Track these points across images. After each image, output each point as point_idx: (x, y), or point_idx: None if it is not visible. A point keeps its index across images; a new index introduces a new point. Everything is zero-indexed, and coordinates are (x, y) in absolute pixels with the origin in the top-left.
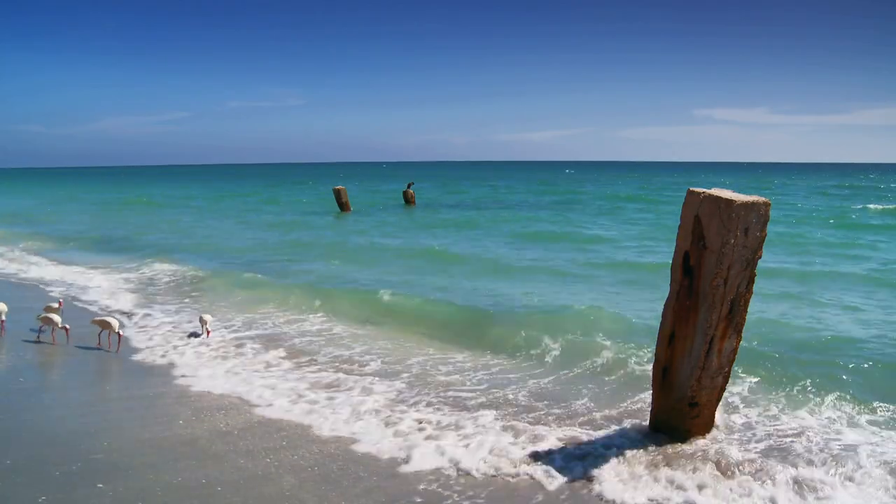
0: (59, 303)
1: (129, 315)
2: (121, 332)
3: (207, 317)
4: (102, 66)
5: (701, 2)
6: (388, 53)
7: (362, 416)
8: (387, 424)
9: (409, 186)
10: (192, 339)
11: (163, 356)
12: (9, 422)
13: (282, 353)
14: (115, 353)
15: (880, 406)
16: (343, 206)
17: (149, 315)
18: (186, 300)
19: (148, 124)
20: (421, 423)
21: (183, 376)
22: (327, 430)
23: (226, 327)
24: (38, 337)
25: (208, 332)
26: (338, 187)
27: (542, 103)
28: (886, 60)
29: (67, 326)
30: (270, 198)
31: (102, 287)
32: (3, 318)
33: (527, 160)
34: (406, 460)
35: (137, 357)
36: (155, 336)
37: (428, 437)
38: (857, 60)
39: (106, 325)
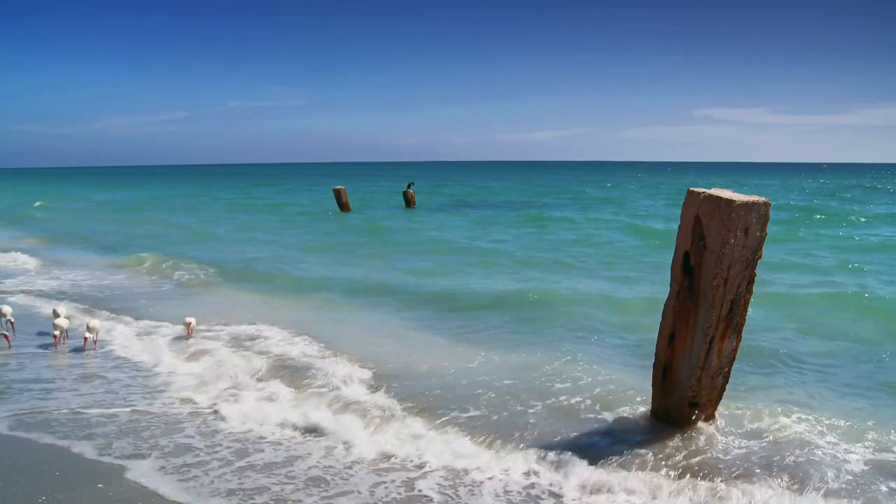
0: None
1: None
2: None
3: (191, 320)
4: (102, 66)
5: (701, 2)
6: (389, 53)
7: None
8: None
9: (409, 186)
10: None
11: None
12: (9, 423)
13: None
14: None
15: (880, 404)
16: (343, 206)
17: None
18: None
19: (148, 124)
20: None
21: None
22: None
23: None
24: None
25: (190, 333)
26: (338, 187)
27: (542, 103)
28: (886, 60)
29: (87, 336)
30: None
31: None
32: (12, 319)
33: (527, 160)
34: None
35: (134, 359)
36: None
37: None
38: (857, 60)
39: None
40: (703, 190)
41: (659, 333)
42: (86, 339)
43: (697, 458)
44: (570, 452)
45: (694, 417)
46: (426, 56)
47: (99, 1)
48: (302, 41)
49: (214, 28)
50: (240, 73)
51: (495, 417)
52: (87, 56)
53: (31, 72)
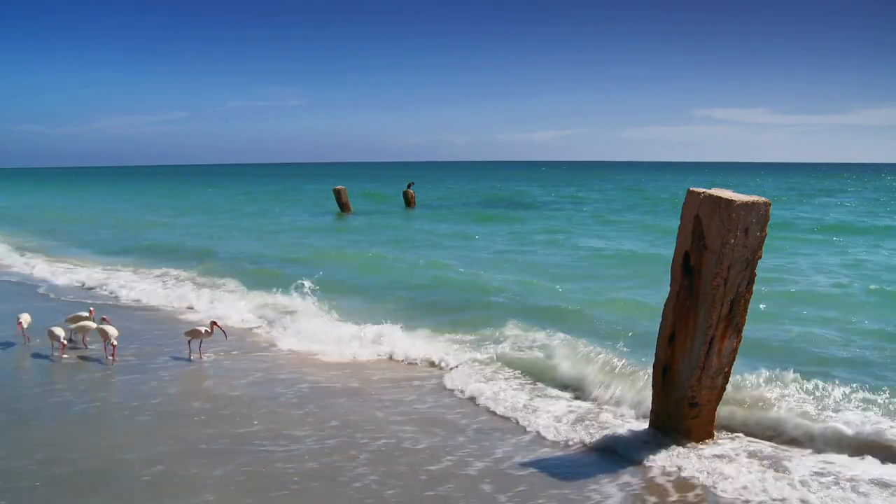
0: (90, 311)
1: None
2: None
3: (201, 329)
4: (102, 66)
5: (701, 2)
6: (389, 53)
7: None
8: None
9: (409, 186)
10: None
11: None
12: (17, 427)
13: None
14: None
15: (879, 404)
16: (343, 206)
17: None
18: None
19: (148, 124)
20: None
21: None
22: None
23: None
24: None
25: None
26: (338, 187)
27: (542, 103)
28: (886, 60)
29: (115, 343)
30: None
31: None
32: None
33: (527, 160)
34: None
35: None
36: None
37: None
38: (857, 60)
39: (197, 335)
40: (703, 190)
41: (659, 333)
42: (114, 346)
43: (694, 460)
44: (563, 449)
45: (694, 417)
46: (426, 56)
47: (99, 1)
48: (302, 41)
49: (214, 28)
50: (240, 73)
51: None
52: (87, 56)
53: (31, 72)
